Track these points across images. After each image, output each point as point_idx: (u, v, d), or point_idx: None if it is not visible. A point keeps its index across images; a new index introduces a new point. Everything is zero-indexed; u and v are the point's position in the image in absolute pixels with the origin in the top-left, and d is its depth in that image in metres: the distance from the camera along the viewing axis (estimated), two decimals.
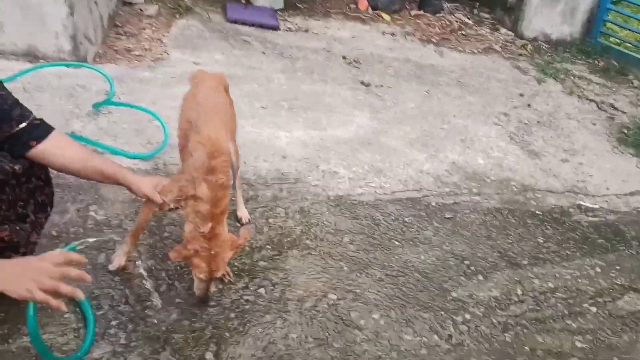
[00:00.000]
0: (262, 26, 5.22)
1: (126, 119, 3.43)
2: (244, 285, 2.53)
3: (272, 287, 2.56)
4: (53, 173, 2.22)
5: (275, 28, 5.25)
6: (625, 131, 4.90)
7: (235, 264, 2.64)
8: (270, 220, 2.96)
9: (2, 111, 1.96)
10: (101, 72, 3.73)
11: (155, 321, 2.26)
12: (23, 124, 2.00)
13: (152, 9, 5.01)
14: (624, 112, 5.30)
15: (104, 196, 2.82)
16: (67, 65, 3.78)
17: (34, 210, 2.18)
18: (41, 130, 2.06)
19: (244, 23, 5.19)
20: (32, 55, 3.83)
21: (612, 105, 5.40)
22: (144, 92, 3.79)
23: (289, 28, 5.39)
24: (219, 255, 2.18)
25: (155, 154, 3.19)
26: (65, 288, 1.58)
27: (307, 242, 2.88)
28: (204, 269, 2.16)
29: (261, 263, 2.68)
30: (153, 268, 2.51)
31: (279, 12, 5.57)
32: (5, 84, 2.02)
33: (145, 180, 2.24)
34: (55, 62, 3.81)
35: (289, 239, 2.87)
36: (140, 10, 5.00)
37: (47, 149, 2.04)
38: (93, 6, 4.15)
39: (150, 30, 4.73)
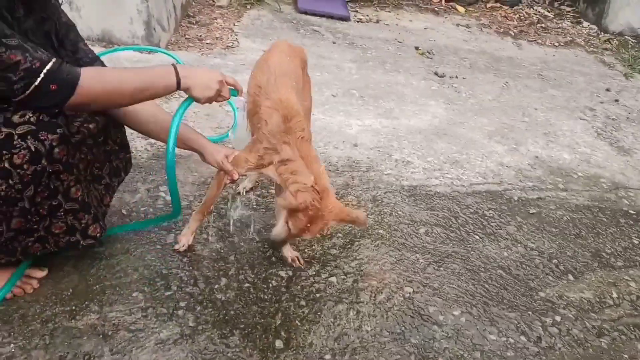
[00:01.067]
0: (332, 17, 5.11)
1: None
2: (314, 273, 2.39)
3: (344, 277, 2.41)
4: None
5: (346, 19, 5.12)
6: None
7: (306, 250, 2.51)
8: None
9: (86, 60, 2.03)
10: (175, 58, 3.69)
11: (224, 305, 2.15)
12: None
13: (224, 0, 4.98)
14: None
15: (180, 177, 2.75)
16: (141, 49, 3.77)
17: (109, 174, 2.16)
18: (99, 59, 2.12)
19: (314, 14, 5.09)
20: (106, 40, 3.85)
21: None
22: None
23: (359, 19, 5.25)
24: (323, 219, 2.01)
25: (224, 138, 3.11)
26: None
27: (380, 231, 2.71)
28: (301, 223, 1.99)
29: (332, 251, 2.54)
30: (221, 250, 2.41)
31: (349, 4, 5.44)
32: None
33: (220, 150, 2.18)
34: (130, 46, 3.81)
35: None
36: (212, 1, 4.98)
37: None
38: None
39: (222, 20, 4.70)
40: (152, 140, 2.98)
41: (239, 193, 2.76)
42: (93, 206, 2.04)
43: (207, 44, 4.30)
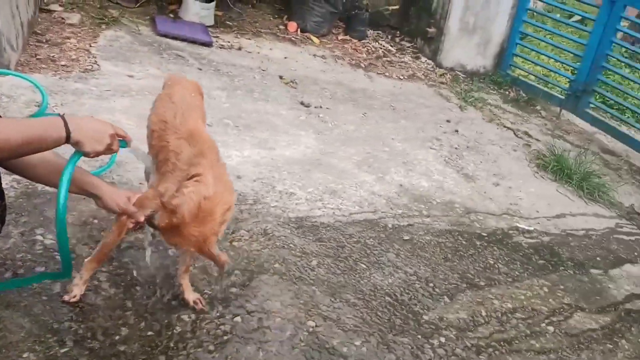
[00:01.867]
0: (194, 42, 5.03)
1: None
2: (218, 314, 2.35)
3: (248, 316, 2.39)
4: None
5: (209, 44, 5.08)
6: (543, 158, 5.20)
7: (206, 291, 2.45)
8: (235, 243, 2.80)
9: None
10: (33, 82, 3.37)
11: (129, 358, 2.02)
12: None
13: (74, 18, 4.67)
14: (538, 140, 5.65)
15: (50, 218, 2.52)
16: None
17: None
18: None
19: (175, 37, 4.97)
20: None
21: (526, 133, 5.73)
22: (78, 105, 3.48)
23: (222, 45, 5.24)
24: (183, 237, 1.88)
25: (104, 170, 2.92)
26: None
27: (276, 265, 2.74)
28: (164, 221, 1.87)
29: (233, 289, 2.51)
30: (116, 297, 2.26)
31: (209, 29, 5.40)
32: None
33: (120, 192, 2.04)
34: None
35: (256, 262, 2.72)
36: (62, 18, 4.64)
37: None
38: (15, 10, 3.78)
39: (75, 40, 4.39)
40: (19, 177, 2.69)
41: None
42: None
43: (63, 65, 3.99)
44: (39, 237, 2.41)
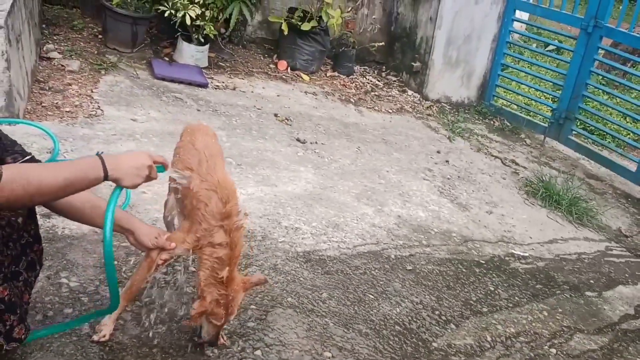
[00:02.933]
0: (190, 83, 5.17)
1: None
2: (240, 349, 2.44)
3: (267, 349, 2.48)
4: None
5: (204, 86, 5.23)
6: (531, 185, 5.38)
7: (225, 327, 2.53)
8: None
9: (5, 145, 1.95)
10: (45, 130, 3.48)
11: None
12: (27, 157, 1.95)
13: (74, 65, 4.80)
14: (525, 168, 5.85)
15: (73, 261, 2.61)
16: (8, 123, 3.49)
17: (26, 268, 2.00)
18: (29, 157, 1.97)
19: (172, 80, 5.12)
20: None
21: (514, 161, 5.93)
22: (88, 150, 3.59)
23: (217, 86, 5.39)
24: (235, 299, 2.17)
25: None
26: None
27: (289, 299, 2.84)
28: (221, 316, 2.15)
29: (250, 324, 2.60)
30: (141, 335, 2.34)
31: (204, 70, 5.56)
32: None
33: (152, 229, 2.15)
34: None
35: (270, 297, 2.81)
36: (62, 65, 4.76)
37: None
38: (22, 61, 3.91)
39: (77, 86, 4.51)
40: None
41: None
42: (18, 305, 1.89)
43: (67, 112, 4.10)
44: (64, 280, 2.49)
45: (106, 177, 1.87)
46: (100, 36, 5.47)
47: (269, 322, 2.65)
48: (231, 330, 2.52)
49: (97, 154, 1.89)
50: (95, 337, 2.24)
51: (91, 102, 4.32)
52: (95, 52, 5.22)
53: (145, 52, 5.55)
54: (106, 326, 2.25)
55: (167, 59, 5.59)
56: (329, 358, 2.54)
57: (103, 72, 4.89)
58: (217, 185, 2.17)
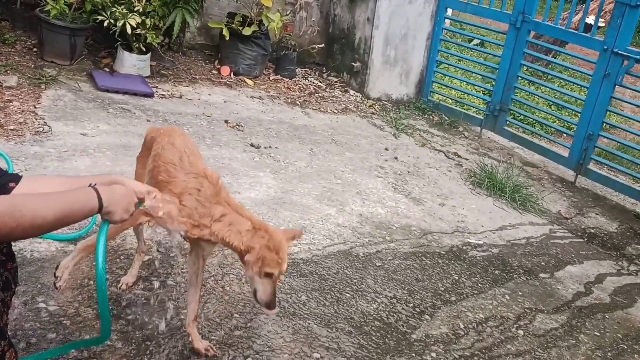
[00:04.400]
0: (135, 94, 5.06)
1: None
2: (230, 358, 2.44)
3: (257, 356, 2.50)
4: None
5: (150, 95, 5.13)
6: (475, 176, 5.61)
7: (212, 337, 2.53)
8: (227, 288, 2.89)
9: None
10: None
11: None
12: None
13: (11, 80, 4.60)
14: (467, 159, 6.09)
15: (47, 284, 2.52)
16: None
17: (2, 288, 1.91)
18: (12, 175, 1.87)
19: (117, 91, 4.99)
20: None
21: (456, 154, 6.17)
22: (42, 169, 3.46)
23: (162, 95, 5.30)
24: (282, 245, 2.16)
25: (86, 231, 2.94)
26: None
27: None
28: (276, 260, 2.11)
29: (236, 332, 2.61)
30: (130, 354, 2.30)
31: (147, 79, 5.45)
32: None
33: (142, 185, 2.04)
34: None
35: (251, 304, 2.82)
36: None
37: (28, 188, 1.84)
38: None
39: (18, 102, 4.33)
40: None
41: (122, 289, 2.65)
42: (5, 330, 1.81)
43: (12, 130, 3.93)
44: (42, 305, 2.41)
45: (100, 210, 1.80)
46: (35, 49, 5.26)
47: (255, 329, 2.66)
48: (219, 340, 2.52)
49: (91, 186, 1.81)
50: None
51: (36, 119, 4.15)
52: (32, 66, 5.01)
53: (85, 64, 5.38)
54: (65, 269, 2.22)
55: (107, 69, 5.44)
56: (318, 358, 2.58)
57: (43, 86, 4.71)
58: (203, 171, 2.24)
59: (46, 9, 4.98)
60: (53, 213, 1.68)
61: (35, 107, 4.31)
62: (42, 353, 2.15)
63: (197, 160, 2.34)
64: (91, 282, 2.63)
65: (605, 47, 5.57)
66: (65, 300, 2.47)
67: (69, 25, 5.05)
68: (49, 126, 4.07)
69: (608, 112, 5.85)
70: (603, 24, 8.57)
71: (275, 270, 2.11)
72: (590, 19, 7.90)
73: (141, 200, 1.99)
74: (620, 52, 5.47)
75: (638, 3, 5.29)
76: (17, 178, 1.87)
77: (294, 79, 6.82)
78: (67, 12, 5.05)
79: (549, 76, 8.57)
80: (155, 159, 2.39)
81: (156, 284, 2.70)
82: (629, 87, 6.28)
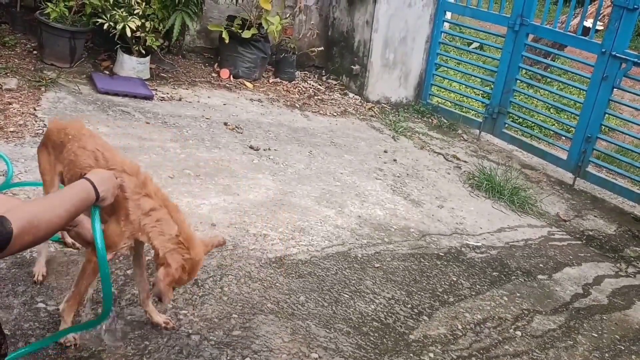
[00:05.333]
0: (135, 96, 5.08)
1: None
2: (228, 358, 2.45)
3: (256, 356, 2.51)
4: None
5: (150, 98, 5.15)
6: (474, 178, 5.63)
7: (210, 337, 2.54)
8: (225, 289, 2.91)
9: None
10: None
11: None
12: None
13: (11, 82, 4.61)
14: (466, 162, 6.10)
15: (46, 285, 2.55)
16: None
17: None
18: None
19: (116, 94, 5.01)
20: None
21: (455, 157, 6.18)
22: None
23: (162, 97, 5.32)
24: (199, 262, 2.18)
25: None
26: None
27: (269, 305, 2.87)
28: (185, 282, 2.18)
29: (235, 332, 2.62)
30: None
31: (147, 82, 5.47)
32: None
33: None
34: None
35: (250, 304, 2.84)
36: None
37: None
38: None
39: (18, 105, 4.34)
40: None
41: (35, 282, 2.58)
42: None
43: (12, 132, 3.94)
44: (41, 305, 2.42)
45: (97, 199, 1.86)
46: (35, 52, 5.28)
47: (253, 329, 2.67)
48: (217, 340, 2.53)
49: (85, 178, 1.87)
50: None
51: (36, 121, 4.17)
52: (32, 68, 5.03)
53: (85, 67, 5.40)
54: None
55: (107, 72, 5.46)
56: (317, 359, 2.59)
57: (43, 88, 4.72)
58: (123, 165, 2.20)
59: (46, 11, 5.00)
60: (62, 216, 1.71)
61: (35, 110, 4.33)
62: (46, 339, 2.17)
63: (113, 156, 2.28)
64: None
65: (604, 50, 5.59)
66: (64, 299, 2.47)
67: (69, 28, 5.07)
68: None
69: (606, 115, 5.87)
70: (601, 27, 8.61)
71: (180, 286, 2.18)
72: (588, 22, 7.93)
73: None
74: (618, 55, 5.49)
75: (636, 6, 5.32)
76: None
77: (293, 82, 6.84)
78: (67, 15, 5.08)
79: (548, 79, 8.59)
80: (70, 167, 2.36)
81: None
82: (627, 90, 6.31)
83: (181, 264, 2.11)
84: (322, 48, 7.25)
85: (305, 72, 7.30)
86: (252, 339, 2.59)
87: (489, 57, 7.93)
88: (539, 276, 4.05)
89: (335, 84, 7.23)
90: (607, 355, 3.28)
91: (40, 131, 4.04)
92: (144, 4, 5.24)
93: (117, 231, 2.15)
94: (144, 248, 2.41)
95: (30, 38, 5.51)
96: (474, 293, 3.59)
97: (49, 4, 5.00)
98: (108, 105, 4.81)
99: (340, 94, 7.02)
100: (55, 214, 1.68)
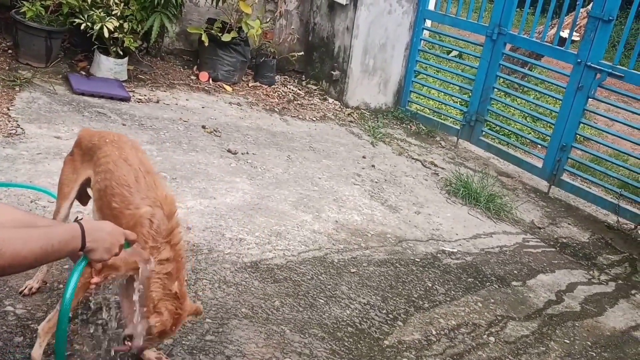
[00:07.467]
0: (112, 98, 5.03)
1: (4, 201, 3.06)
2: None
3: None
4: None
5: (127, 99, 5.10)
6: (451, 185, 5.66)
7: (184, 341, 2.51)
8: (200, 293, 2.88)
9: None
10: None
11: None
12: None
13: None
14: (443, 169, 6.14)
15: (16, 288, 2.49)
16: None
17: None
18: None
19: (92, 95, 4.95)
20: None
21: (432, 163, 6.22)
22: (14, 171, 3.42)
23: (139, 99, 5.27)
24: (182, 318, 2.16)
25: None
26: None
27: (243, 310, 2.85)
28: (167, 335, 2.13)
29: (208, 337, 2.59)
30: None
31: (124, 84, 5.42)
32: None
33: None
34: None
35: (224, 309, 2.81)
36: None
37: None
38: None
39: None
40: None
41: (21, 292, 2.50)
42: None
43: None
44: (10, 308, 2.37)
45: (82, 249, 1.69)
46: (10, 51, 5.20)
47: (227, 334, 2.65)
48: (190, 345, 2.50)
49: (77, 221, 1.72)
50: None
51: (9, 121, 4.10)
52: (7, 67, 4.95)
53: (61, 67, 5.33)
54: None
55: (83, 73, 5.39)
56: None
57: (17, 88, 4.65)
58: (163, 199, 2.13)
59: (22, 10, 4.93)
60: (34, 253, 1.56)
61: (8, 109, 4.26)
62: None
63: (155, 184, 2.18)
64: (61, 286, 2.59)
65: (579, 60, 5.68)
66: (34, 303, 2.43)
67: (45, 27, 5.00)
68: (22, 128, 4.02)
69: (581, 124, 5.96)
70: (577, 38, 8.74)
71: (162, 339, 2.18)
72: (565, 33, 8.04)
73: (131, 242, 1.90)
74: (593, 65, 5.58)
75: (611, 18, 5.42)
76: None
77: (272, 86, 6.83)
78: (43, 14, 5.01)
79: (525, 88, 8.69)
80: (105, 177, 2.20)
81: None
82: (602, 100, 6.41)
83: (170, 321, 2.07)
84: (302, 53, 7.26)
85: (285, 76, 7.30)
86: (225, 344, 2.57)
87: (467, 65, 8.00)
88: (513, 282, 4.09)
89: (315, 89, 7.24)
90: None
91: (14, 132, 3.97)
92: (122, 4, 5.20)
93: (125, 259, 2.03)
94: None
95: (5, 37, 5.43)
96: (448, 299, 3.60)
97: (25, 2, 4.92)
98: (84, 106, 4.75)
99: (319, 99, 7.03)
100: (28, 247, 1.54)
